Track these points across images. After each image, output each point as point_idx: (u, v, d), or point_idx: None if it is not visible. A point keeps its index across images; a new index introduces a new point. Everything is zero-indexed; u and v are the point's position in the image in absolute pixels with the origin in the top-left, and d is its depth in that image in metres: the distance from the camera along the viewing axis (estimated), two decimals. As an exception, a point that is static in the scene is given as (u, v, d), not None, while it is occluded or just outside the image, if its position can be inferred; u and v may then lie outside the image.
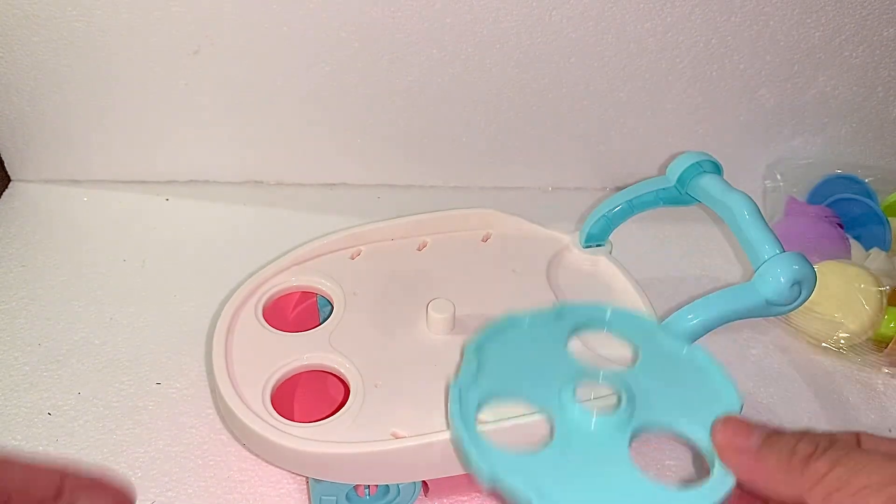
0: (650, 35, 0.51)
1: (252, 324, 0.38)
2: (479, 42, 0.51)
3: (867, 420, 0.44)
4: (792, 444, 0.25)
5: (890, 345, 0.46)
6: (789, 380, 0.46)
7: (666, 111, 0.55)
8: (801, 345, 0.48)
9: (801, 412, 0.44)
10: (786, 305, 0.33)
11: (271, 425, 0.33)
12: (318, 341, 0.37)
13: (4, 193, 0.56)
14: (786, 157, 0.57)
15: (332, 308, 0.39)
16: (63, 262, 0.50)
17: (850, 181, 0.54)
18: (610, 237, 0.43)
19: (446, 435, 0.32)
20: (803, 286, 0.33)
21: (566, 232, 0.44)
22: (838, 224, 0.52)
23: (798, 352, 0.47)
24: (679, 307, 0.35)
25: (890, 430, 0.43)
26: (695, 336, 0.34)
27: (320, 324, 0.38)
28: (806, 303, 0.46)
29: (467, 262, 0.42)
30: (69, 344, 0.45)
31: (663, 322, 0.35)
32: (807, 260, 0.33)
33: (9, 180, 0.57)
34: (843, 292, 0.46)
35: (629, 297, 0.40)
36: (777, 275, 0.32)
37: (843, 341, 0.46)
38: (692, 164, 0.39)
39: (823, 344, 0.47)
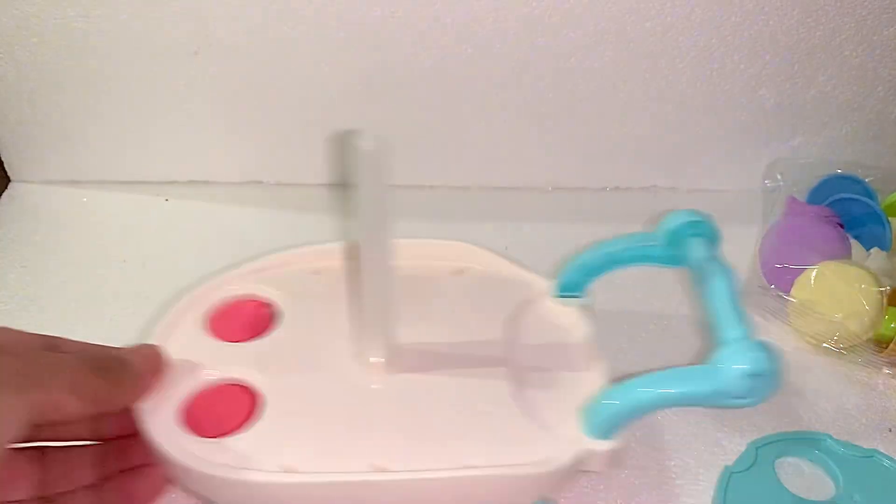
0: (650, 35, 0.51)
1: (193, 328, 0.38)
2: (479, 42, 0.51)
3: (867, 420, 0.44)
4: None
5: (890, 345, 0.46)
6: (789, 380, 0.46)
7: (666, 111, 0.55)
8: (802, 345, 0.48)
9: (801, 413, 0.44)
10: (740, 399, 0.30)
11: (165, 434, 0.33)
12: (248, 355, 0.36)
13: (4, 194, 0.56)
14: (786, 156, 0.57)
15: None
16: (63, 263, 0.50)
17: (850, 181, 0.54)
18: (589, 289, 0.40)
19: (341, 477, 0.31)
20: (763, 381, 0.29)
21: (547, 277, 0.41)
22: (838, 224, 0.52)
23: (798, 352, 0.47)
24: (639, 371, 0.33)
25: (890, 430, 0.43)
26: (633, 414, 0.32)
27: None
28: (806, 303, 0.47)
29: (429, 295, 0.40)
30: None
31: (604, 392, 0.33)
32: (773, 352, 0.30)
33: (8, 181, 0.57)
34: (844, 292, 0.46)
35: (580, 355, 0.37)
36: (734, 361, 0.29)
37: (843, 342, 0.46)
38: (684, 224, 0.37)
39: (824, 344, 0.47)
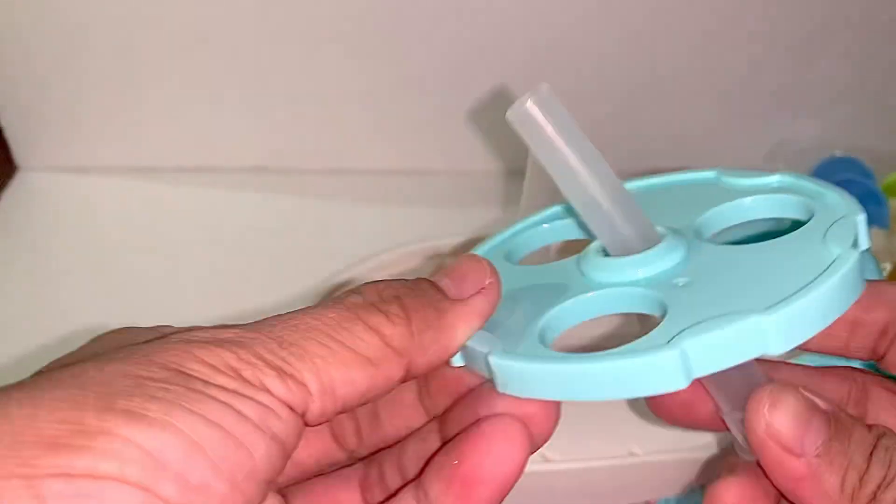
0: (654, 20, 0.52)
1: None
2: (486, 26, 0.51)
3: (871, 393, 0.45)
4: (861, 463, 0.19)
5: (891, 320, 0.47)
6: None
7: (670, 95, 0.56)
8: (805, 322, 0.49)
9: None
10: None
11: None
12: None
13: (12, 182, 0.56)
14: (786, 139, 0.58)
15: None
16: (75, 248, 0.50)
17: (849, 163, 0.55)
18: None
19: None
20: None
21: None
22: (838, 205, 0.53)
23: (802, 329, 0.48)
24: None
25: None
26: None
27: None
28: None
29: None
30: (85, 329, 0.45)
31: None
32: None
33: (16, 169, 0.57)
34: (846, 270, 0.47)
35: None
36: None
37: (845, 318, 0.47)
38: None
39: (827, 320, 0.48)
